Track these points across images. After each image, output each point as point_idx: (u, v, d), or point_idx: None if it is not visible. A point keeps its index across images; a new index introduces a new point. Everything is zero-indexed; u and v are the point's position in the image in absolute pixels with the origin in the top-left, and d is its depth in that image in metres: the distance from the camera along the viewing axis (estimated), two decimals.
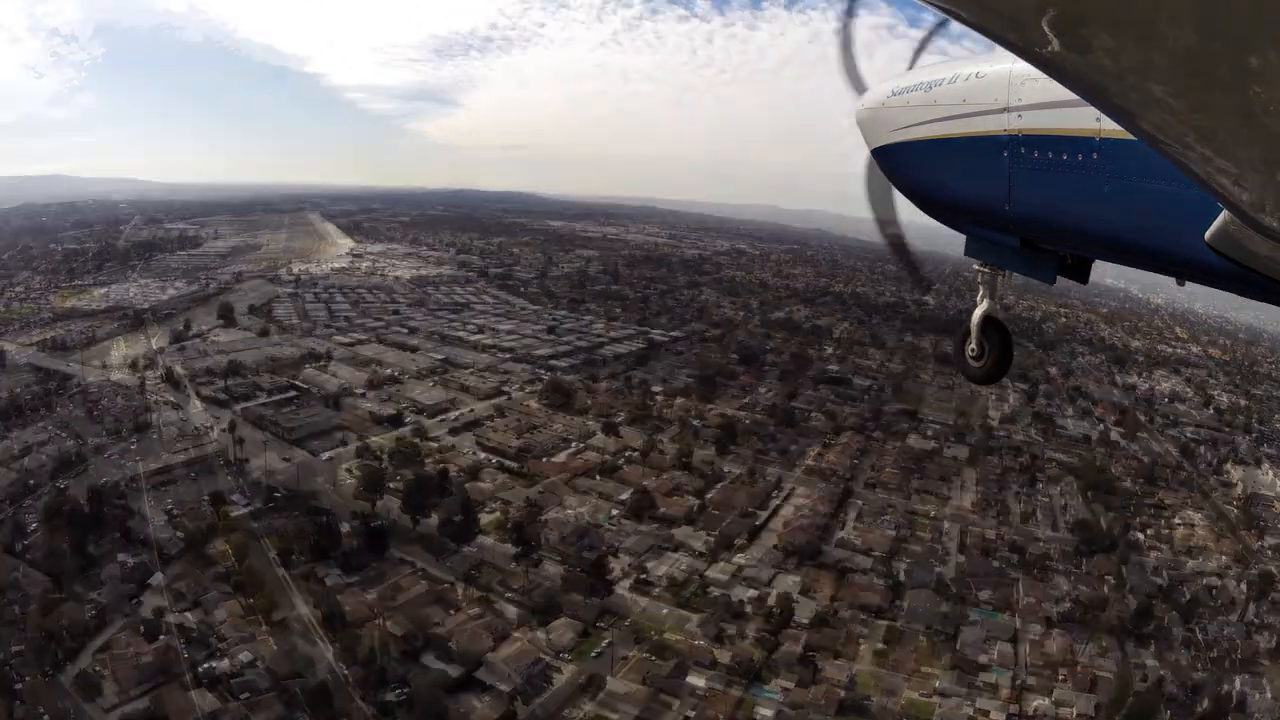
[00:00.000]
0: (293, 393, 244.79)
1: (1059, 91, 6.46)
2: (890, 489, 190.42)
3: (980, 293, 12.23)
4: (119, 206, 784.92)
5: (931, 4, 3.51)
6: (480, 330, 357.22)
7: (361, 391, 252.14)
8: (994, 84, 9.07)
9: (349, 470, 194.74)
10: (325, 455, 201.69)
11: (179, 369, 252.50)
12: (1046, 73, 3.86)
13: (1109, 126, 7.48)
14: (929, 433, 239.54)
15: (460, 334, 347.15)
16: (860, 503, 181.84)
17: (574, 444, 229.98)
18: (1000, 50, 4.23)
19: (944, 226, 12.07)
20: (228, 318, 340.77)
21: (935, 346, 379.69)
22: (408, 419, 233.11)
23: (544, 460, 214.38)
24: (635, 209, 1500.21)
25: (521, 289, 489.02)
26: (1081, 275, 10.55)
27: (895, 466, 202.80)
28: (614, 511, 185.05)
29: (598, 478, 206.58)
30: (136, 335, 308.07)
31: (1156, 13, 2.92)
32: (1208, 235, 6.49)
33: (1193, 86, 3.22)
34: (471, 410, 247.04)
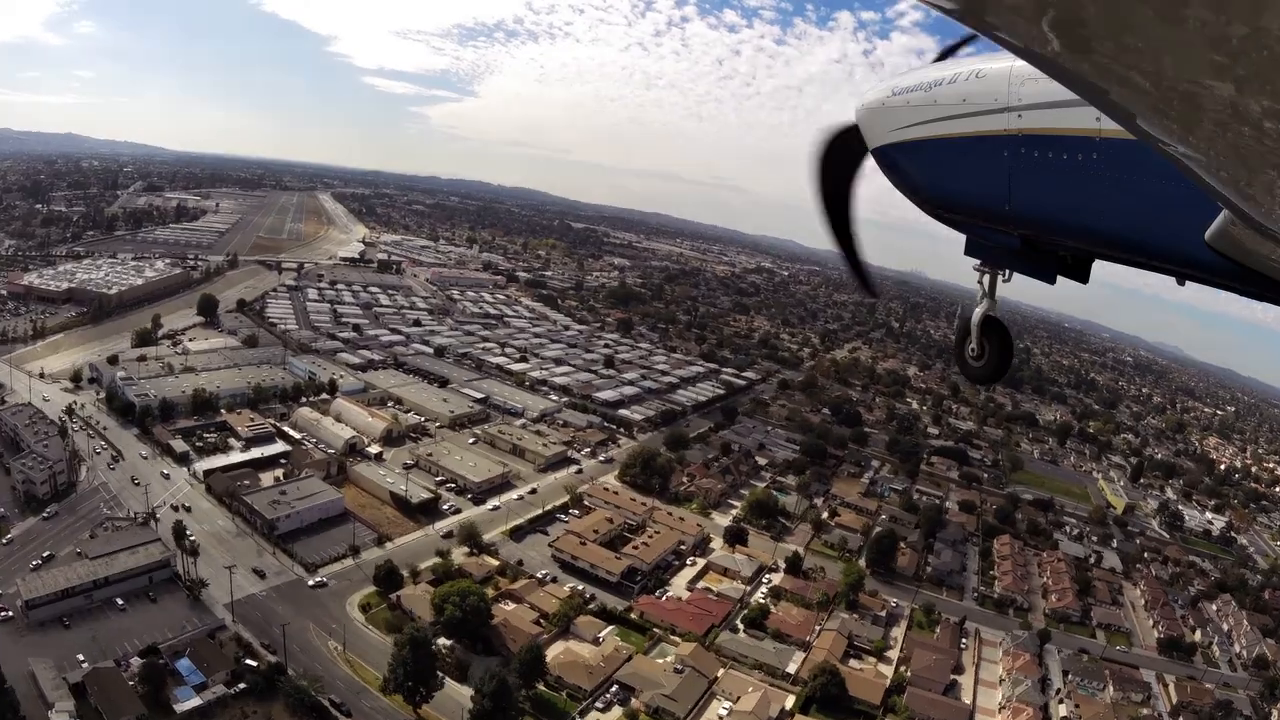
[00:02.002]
0: (280, 446, 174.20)
1: (1059, 91, 6.59)
2: (1074, 623, 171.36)
3: (980, 293, 11.61)
4: (124, 170, 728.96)
5: (932, 4, 3.52)
6: (523, 356, 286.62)
7: (377, 450, 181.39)
8: (994, 84, 8.96)
9: (363, 611, 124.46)
10: (324, 576, 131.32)
11: (130, 393, 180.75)
12: (1046, 73, 3.87)
13: (1109, 126, 7.48)
14: (1070, 527, 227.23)
15: (499, 359, 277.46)
16: (1061, 654, 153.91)
17: (689, 559, 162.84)
18: (1000, 50, 4.36)
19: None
20: (209, 315, 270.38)
21: (1014, 404, 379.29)
22: (446, 505, 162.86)
23: (658, 596, 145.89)
24: (649, 217, 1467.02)
25: (559, 300, 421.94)
26: (1082, 275, 10.13)
27: (1067, 586, 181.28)
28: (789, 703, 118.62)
29: (742, 629, 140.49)
30: (91, 333, 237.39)
31: (1155, 13, 2.92)
32: (1208, 235, 6.34)
33: (1192, 87, 3.20)
34: (534, 491, 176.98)
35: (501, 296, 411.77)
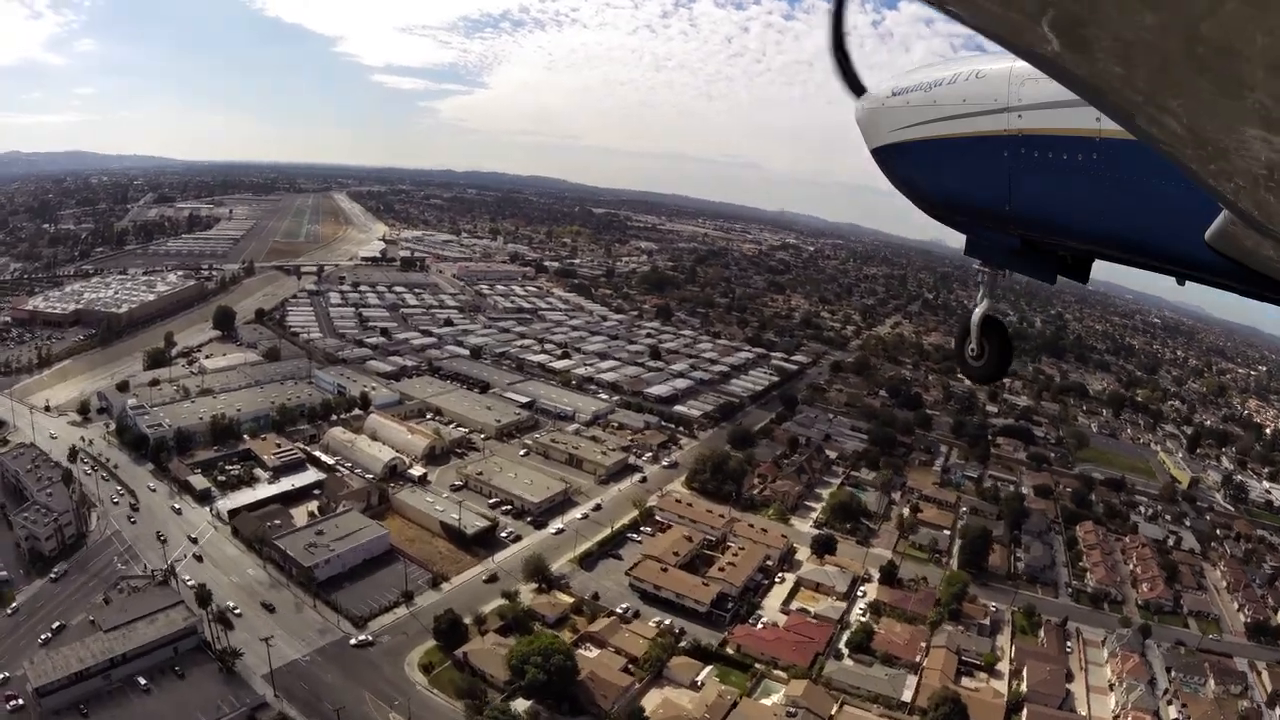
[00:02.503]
0: (311, 474, 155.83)
1: (1059, 91, 6.57)
2: (1167, 613, 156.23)
3: (980, 292, 11.74)
4: (134, 183, 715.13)
5: (932, 4, 3.52)
6: (565, 352, 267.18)
7: (420, 472, 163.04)
8: (994, 84, 8.95)
9: (425, 672, 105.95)
10: (374, 631, 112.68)
11: (143, 424, 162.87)
12: (1046, 73, 3.88)
13: (1109, 126, 7.50)
14: (1144, 507, 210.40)
15: (539, 357, 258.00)
16: (1160, 648, 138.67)
17: (777, 575, 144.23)
18: (1000, 50, 4.16)
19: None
20: (226, 328, 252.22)
21: (1062, 375, 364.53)
22: (505, 532, 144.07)
23: (752, 623, 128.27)
24: (667, 199, 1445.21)
25: (592, 289, 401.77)
26: (1082, 275, 10.11)
27: (1156, 574, 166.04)
28: None
29: (846, 654, 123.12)
30: (100, 356, 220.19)
31: (1155, 13, 2.92)
32: (1208, 235, 6.29)
33: (1192, 87, 3.21)
34: (598, 507, 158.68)
35: (533, 288, 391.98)
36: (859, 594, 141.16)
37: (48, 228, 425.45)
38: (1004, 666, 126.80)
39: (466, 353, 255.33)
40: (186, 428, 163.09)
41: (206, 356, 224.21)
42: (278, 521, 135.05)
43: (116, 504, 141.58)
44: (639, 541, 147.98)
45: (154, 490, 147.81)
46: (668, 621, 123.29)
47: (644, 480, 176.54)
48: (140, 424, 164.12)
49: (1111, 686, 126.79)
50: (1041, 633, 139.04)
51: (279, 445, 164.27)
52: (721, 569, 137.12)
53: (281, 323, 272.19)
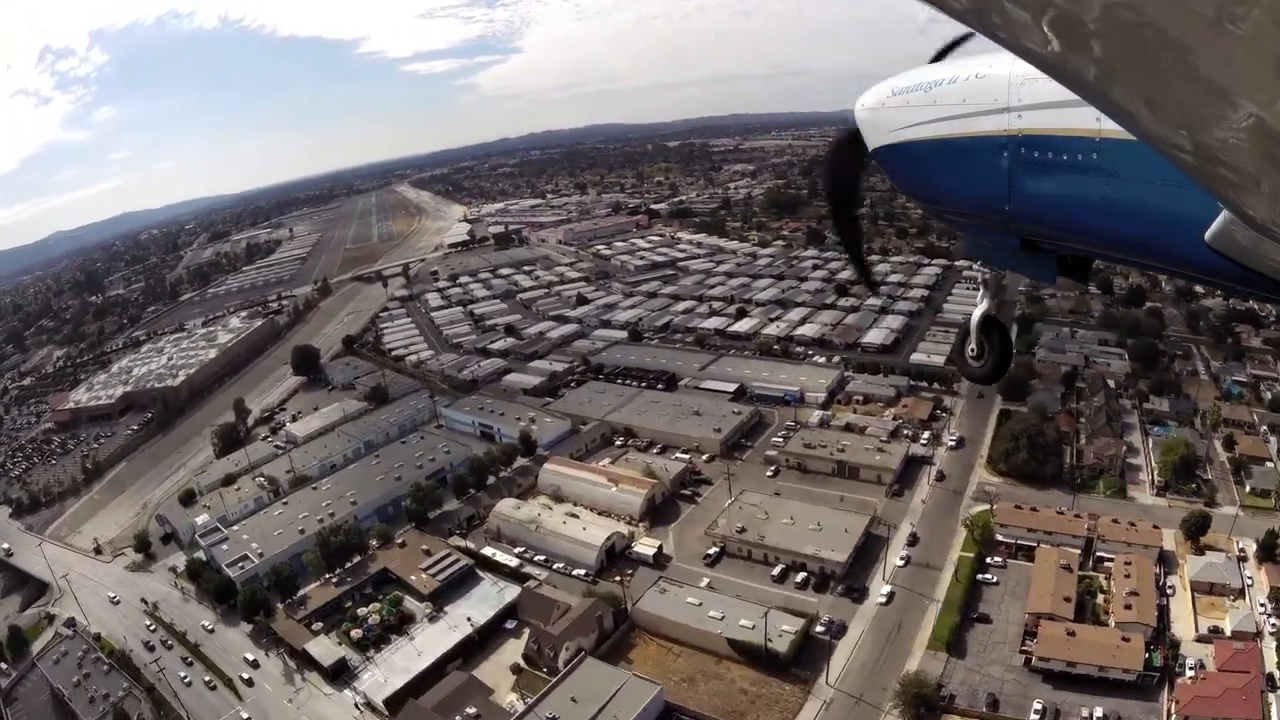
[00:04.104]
0: (489, 592, 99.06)
1: (1059, 91, 6.18)
2: None
3: (980, 293, 11.56)
4: (186, 228, 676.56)
5: (932, 4, 3.51)
6: (740, 309, 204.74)
7: (652, 546, 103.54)
8: (994, 84, 8.84)
9: None
10: None
11: (223, 557, 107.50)
12: (1046, 73, 3.87)
13: (1109, 126, 7.43)
14: None
15: (711, 321, 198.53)
16: None
17: (1166, 584, 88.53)
18: (1000, 50, 4.19)
19: None
20: (309, 370, 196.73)
21: None
22: (820, 625, 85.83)
23: (1190, 678, 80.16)
24: (729, 120, 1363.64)
25: (724, 227, 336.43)
26: (1081, 275, 10.12)
27: None
28: None
29: None
30: (159, 450, 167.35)
31: (1155, 13, 2.92)
32: (1208, 235, 6.28)
33: (1192, 87, 3.21)
34: (914, 539, 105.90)
35: (656, 237, 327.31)
36: (1246, 582, 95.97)
37: (95, 300, 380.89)
38: None
39: (622, 334, 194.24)
40: (283, 556, 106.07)
41: (293, 417, 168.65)
42: (474, 711, 77.05)
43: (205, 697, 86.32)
44: (995, 583, 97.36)
45: (257, 666, 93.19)
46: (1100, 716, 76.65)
47: (941, 478, 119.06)
48: (218, 557, 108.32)
49: None
50: None
51: (426, 551, 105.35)
52: (1128, 605, 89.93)
53: (378, 347, 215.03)
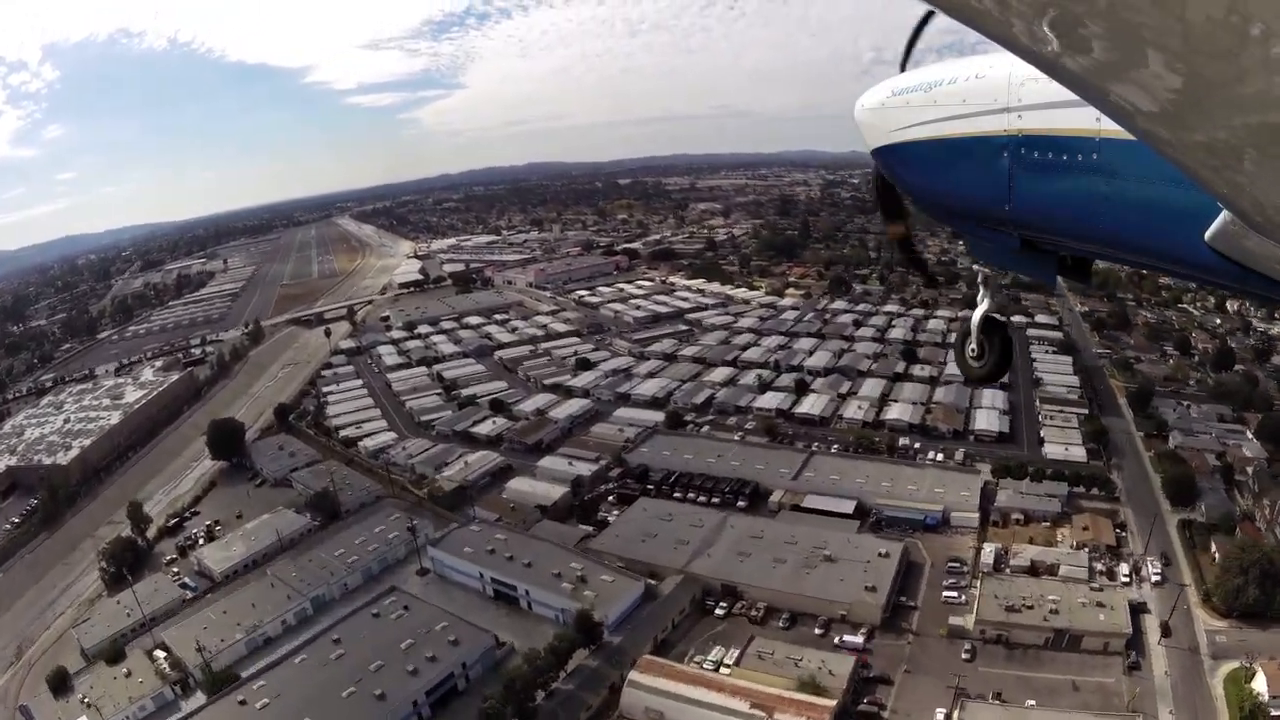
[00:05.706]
0: None
1: (1059, 91, 6.18)
2: None
3: (980, 293, 11.31)
4: (121, 255, 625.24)
5: (932, 3, 3.50)
6: (795, 383, 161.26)
7: None
8: (994, 84, 8.78)
9: None
10: None
11: None
12: (1046, 73, 3.86)
13: (1109, 126, 7.39)
14: None
15: (768, 399, 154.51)
16: None
17: None
18: (1000, 50, 4.19)
19: None
20: (229, 453, 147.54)
21: None
22: None
23: None
24: (674, 159, 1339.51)
25: (721, 271, 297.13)
26: (1082, 275, 10.04)
27: None
28: None
29: None
30: (39, 561, 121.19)
31: (1156, 13, 2.91)
32: (1208, 235, 6.28)
33: (1192, 87, 3.21)
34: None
35: (647, 283, 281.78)
36: None
37: (16, 330, 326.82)
38: None
39: (653, 416, 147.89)
40: None
41: (208, 529, 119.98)
42: None
43: None
44: None
45: None
46: None
47: (1167, 632, 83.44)
48: None
49: None
50: None
51: None
52: None
53: (320, 422, 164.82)
